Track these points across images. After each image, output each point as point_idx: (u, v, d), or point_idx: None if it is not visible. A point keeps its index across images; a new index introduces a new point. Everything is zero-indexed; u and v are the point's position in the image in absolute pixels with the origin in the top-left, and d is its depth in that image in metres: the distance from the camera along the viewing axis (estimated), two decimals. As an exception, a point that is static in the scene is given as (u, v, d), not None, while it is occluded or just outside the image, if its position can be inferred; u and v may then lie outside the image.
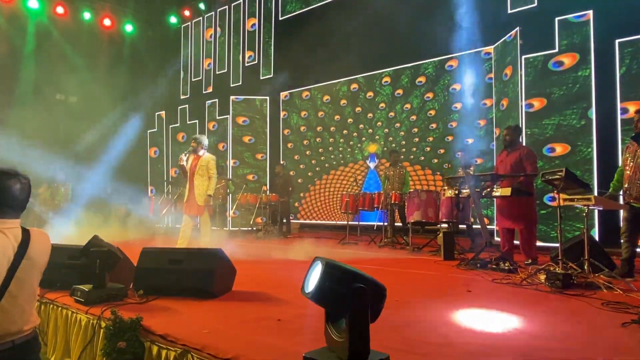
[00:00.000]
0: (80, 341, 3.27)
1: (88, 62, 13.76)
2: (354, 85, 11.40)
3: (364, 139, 11.18)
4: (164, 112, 14.61)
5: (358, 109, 11.30)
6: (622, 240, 4.64)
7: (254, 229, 10.62)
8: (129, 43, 14.81)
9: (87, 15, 13.79)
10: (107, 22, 14.15)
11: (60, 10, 13.25)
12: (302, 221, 12.09)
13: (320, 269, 2.10)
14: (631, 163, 4.52)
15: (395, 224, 8.42)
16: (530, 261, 5.52)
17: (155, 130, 14.83)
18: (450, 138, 9.70)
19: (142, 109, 14.47)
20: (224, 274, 3.93)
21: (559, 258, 4.31)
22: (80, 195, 11.90)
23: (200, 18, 14.32)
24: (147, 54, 15.03)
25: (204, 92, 13.98)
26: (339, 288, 2.07)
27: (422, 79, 10.20)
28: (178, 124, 14.14)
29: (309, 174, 12.17)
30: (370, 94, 11.08)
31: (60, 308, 3.59)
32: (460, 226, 7.55)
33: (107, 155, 13.17)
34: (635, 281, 4.35)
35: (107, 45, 14.32)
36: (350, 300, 2.05)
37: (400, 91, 10.54)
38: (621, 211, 4.82)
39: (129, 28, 14.65)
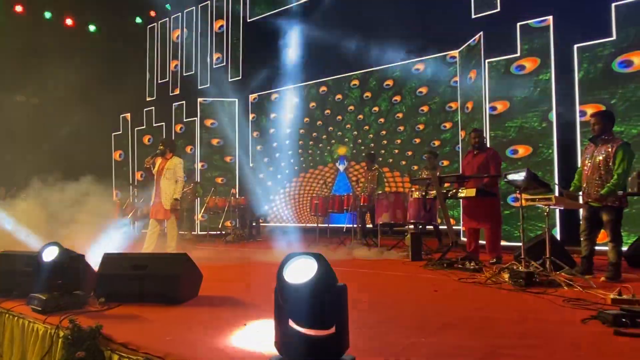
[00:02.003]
0: (37, 352, 3.13)
1: (50, 63, 13.30)
2: (323, 88, 11.42)
3: (333, 141, 11.22)
4: (129, 114, 14.29)
5: (327, 111, 11.33)
6: (581, 239, 4.78)
7: (223, 232, 10.49)
8: (92, 43, 14.40)
9: (47, 15, 13.36)
10: (68, 21, 13.75)
11: (19, 8, 12.79)
12: (272, 224, 12.01)
13: (315, 262, 2.08)
14: (589, 163, 4.68)
15: (367, 225, 8.48)
16: (495, 260, 5.63)
17: (120, 132, 14.48)
18: (417, 140, 9.84)
19: (106, 111, 14.09)
20: (189, 279, 3.84)
21: (522, 257, 4.42)
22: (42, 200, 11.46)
23: (167, 19, 14.08)
24: (111, 55, 14.64)
25: (170, 94, 13.75)
26: (332, 283, 2.07)
27: (389, 82, 10.31)
28: (144, 126, 13.85)
29: (279, 176, 12.11)
30: (339, 96, 11.13)
31: (16, 317, 3.44)
32: (427, 227, 7.65)
33: (71, 158, 12.75)
34: (595, 278, 4.49)
35: (69, 45, 13.88)
36: (337, 297, 2.06)
37: (368, 94, 10.63)
38: (580, 210, 4.98)
39: (92, 28, 14.27)
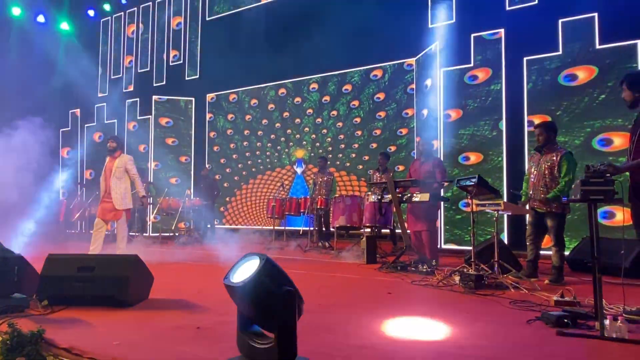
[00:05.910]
0: (-29, 359, 2.94)
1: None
2: (282, 90, 11.39)
3: (291, 144, 11.20)
4: (78, 109, 13.72)
5: (286, 114, 11.30)
6: (527, 243, 4.99)
7: (176, 234, 10.24)
8: (41, 35, 13.73)
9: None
10: (16, 11, 13.06)
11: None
12: (227, 226, 11.84)
13: (258, 263, 2.06)
14: (535, 171, 4.90)
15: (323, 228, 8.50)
16: (434, 262, 5.73)
17: (69, 129, 13.88)
18: (374, 145, 9.98)
19: (54, 106, 13.45)
20: (139, 282, 3.72)
21: (472, 260, 4.56)
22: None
23: (122, 13, 13.64)
24: (62, 47, 14.02)
25: (124, 90, 13.31)
26: (273, 287, 2.03)
27: (348, 87, 10.42)
28: (94, 123, 13.34)
29: (235, 178, 11.97)
30: (298, 99, 11.13)
31: (-52, 323, 3.22)
32: (383, 230, 7.77)
33: (12, 155, 12.08)
34: (539, 281, 4.69)
35: (17, 36, 13.18)
36: (281, 302, 2.02)
37: (327, 98, 10.69)
38: (527, 215, 5.19)
39: (41, 19, 13.61)
